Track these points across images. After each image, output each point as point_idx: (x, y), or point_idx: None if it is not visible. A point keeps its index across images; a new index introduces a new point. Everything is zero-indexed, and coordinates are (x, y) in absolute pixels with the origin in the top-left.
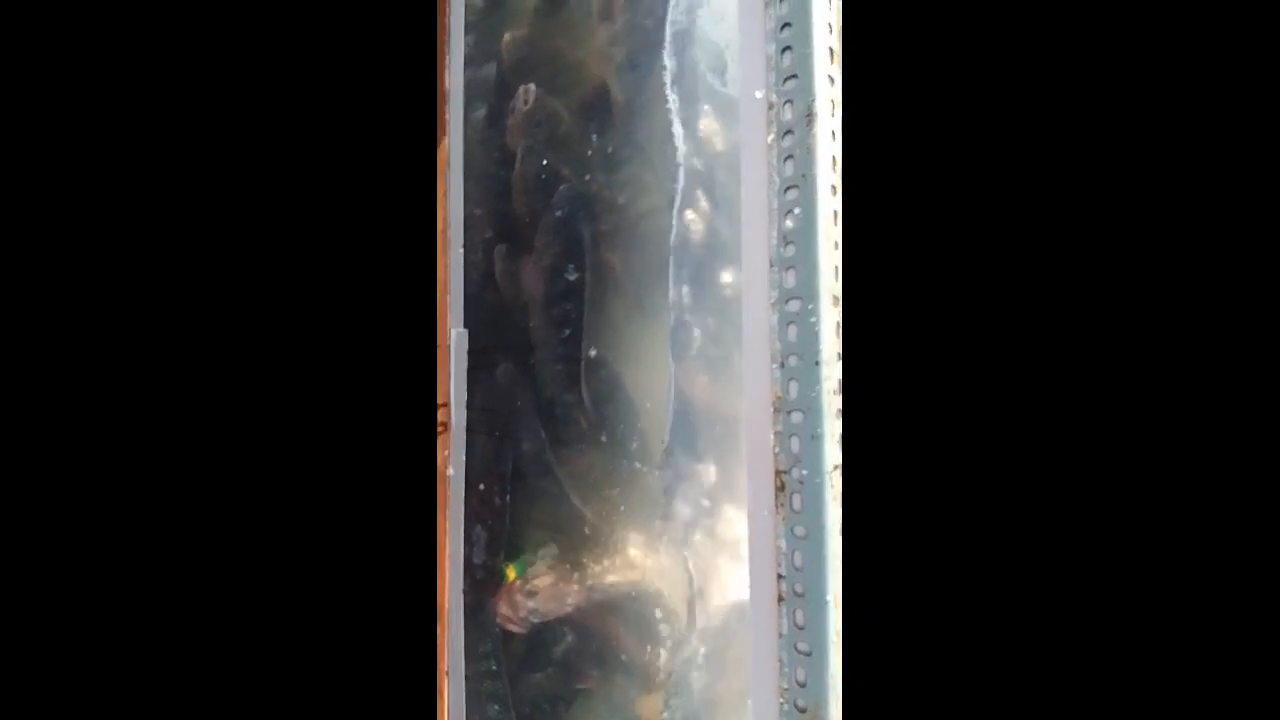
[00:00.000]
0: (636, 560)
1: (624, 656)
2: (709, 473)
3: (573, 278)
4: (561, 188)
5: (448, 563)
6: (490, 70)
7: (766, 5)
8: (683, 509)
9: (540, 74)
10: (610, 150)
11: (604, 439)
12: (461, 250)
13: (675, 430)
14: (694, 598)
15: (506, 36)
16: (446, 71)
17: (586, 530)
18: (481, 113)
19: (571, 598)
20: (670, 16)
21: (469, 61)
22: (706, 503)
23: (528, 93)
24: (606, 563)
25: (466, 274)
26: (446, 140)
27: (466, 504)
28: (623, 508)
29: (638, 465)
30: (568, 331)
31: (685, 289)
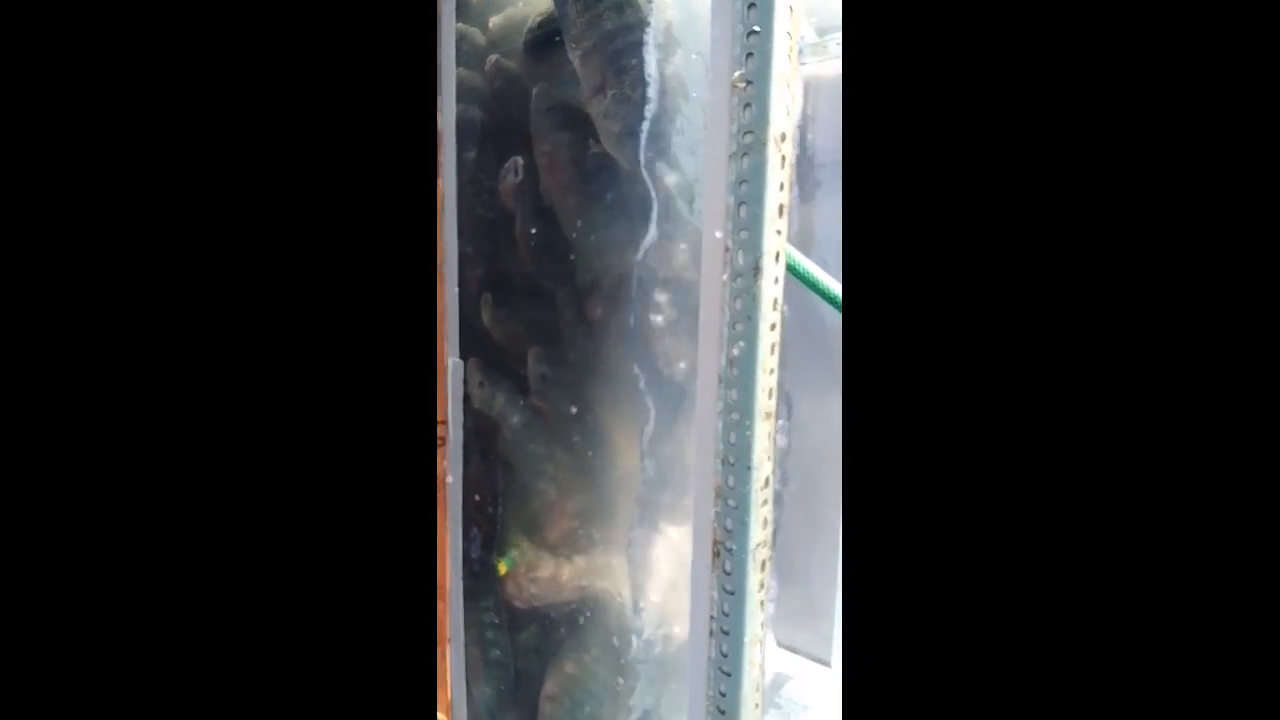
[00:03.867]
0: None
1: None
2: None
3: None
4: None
5: (448, 554)
6: (475, 112)
7: (730, 158)
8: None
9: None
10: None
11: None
12: (457, 288)
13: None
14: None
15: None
16: (440, 112)
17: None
18: (471, 154)
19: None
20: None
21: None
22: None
23: (517, 165)
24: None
25: (461, 306)
26: (441, 181)
27: (464, 508)
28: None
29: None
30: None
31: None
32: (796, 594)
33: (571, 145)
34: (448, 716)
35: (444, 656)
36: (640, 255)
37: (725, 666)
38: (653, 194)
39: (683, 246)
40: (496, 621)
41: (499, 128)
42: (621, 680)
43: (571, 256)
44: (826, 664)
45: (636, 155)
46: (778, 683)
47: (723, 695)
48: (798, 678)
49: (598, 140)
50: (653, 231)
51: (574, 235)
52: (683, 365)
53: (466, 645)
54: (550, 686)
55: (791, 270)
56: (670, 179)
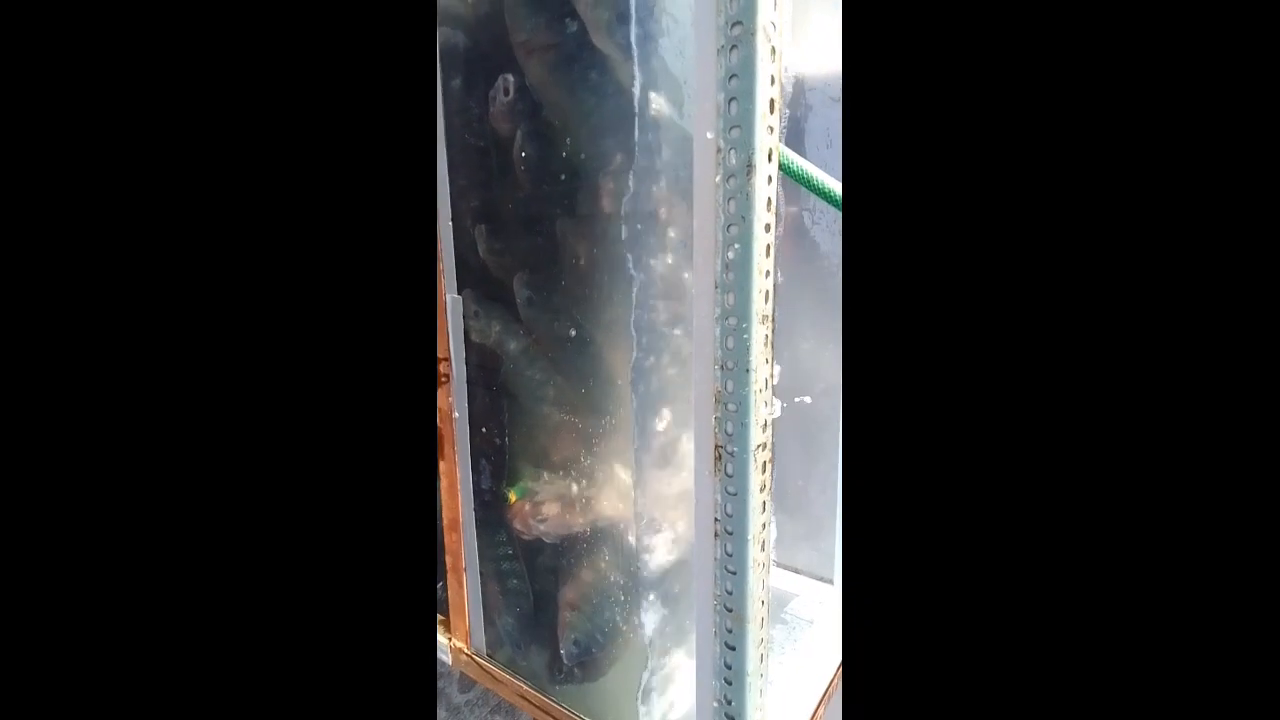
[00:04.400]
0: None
1: (607, 547)
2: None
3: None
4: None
5: (459, 487)
6: (459, 38)
7: (719, 53)
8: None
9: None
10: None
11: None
12: (450, 223)
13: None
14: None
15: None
16: None
17: (577, 455)
18: (457, 82)
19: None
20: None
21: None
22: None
23: (507, 82)
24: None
25: (457, 240)
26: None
27: (472, 441)
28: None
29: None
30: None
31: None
32: (798, 517)
33: (549, 29)
34: (466, 644)
35: (460, 585)
36: (633, 149)
37: (730, 565)
38: (641, 91)
39: (674, 152)
40: (511, 552)
41: (483, 53)
42: (636, 582)
43: (563, 176)
44: (829, 581)
45: (629, 41)
46: (783, 599)
47: (729, 593)
48: (802, 594)
49: (574, 18)
50: (642, 131)
51: (564, 154)
52: (677, 280)
53: (483, 578)
54: (570, 594)
55: (785, 170)
56: (658, 78)
